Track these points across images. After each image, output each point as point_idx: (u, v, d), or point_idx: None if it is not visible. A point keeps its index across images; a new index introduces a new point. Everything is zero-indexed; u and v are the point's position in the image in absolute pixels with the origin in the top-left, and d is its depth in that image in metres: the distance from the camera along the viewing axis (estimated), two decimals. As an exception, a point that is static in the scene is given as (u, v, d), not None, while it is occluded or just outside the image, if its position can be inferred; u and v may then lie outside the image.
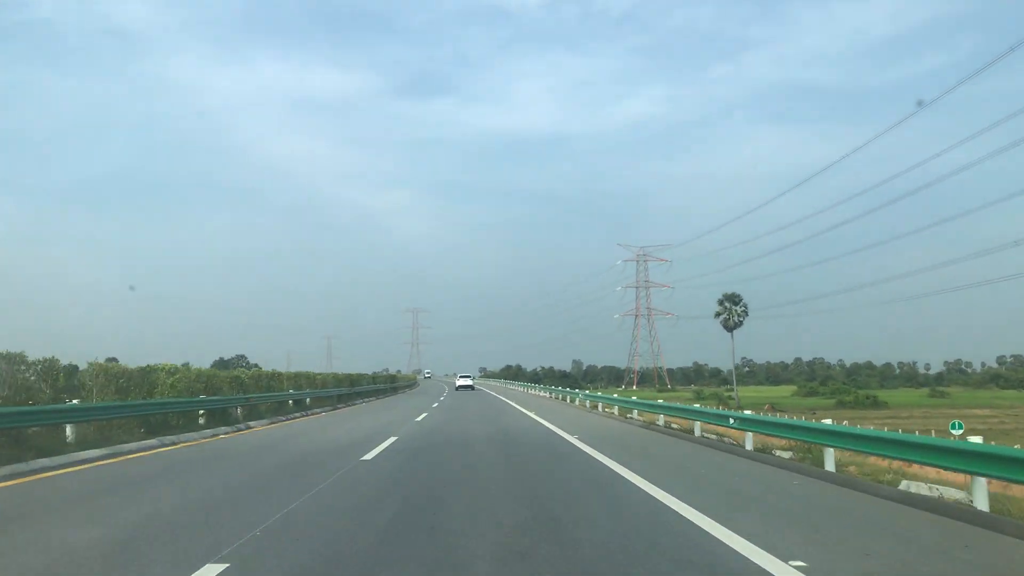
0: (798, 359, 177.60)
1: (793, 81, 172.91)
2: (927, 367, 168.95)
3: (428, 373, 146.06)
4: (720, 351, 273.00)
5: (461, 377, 66.59)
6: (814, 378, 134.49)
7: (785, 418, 16.43)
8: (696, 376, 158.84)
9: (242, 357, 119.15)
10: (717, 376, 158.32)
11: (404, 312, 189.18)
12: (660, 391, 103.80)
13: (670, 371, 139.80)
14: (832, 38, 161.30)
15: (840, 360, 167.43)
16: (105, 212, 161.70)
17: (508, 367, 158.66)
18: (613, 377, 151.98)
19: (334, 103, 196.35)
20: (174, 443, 16.56)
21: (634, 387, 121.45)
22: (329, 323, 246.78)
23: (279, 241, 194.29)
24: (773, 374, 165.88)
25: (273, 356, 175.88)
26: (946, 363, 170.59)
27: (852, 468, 10.98)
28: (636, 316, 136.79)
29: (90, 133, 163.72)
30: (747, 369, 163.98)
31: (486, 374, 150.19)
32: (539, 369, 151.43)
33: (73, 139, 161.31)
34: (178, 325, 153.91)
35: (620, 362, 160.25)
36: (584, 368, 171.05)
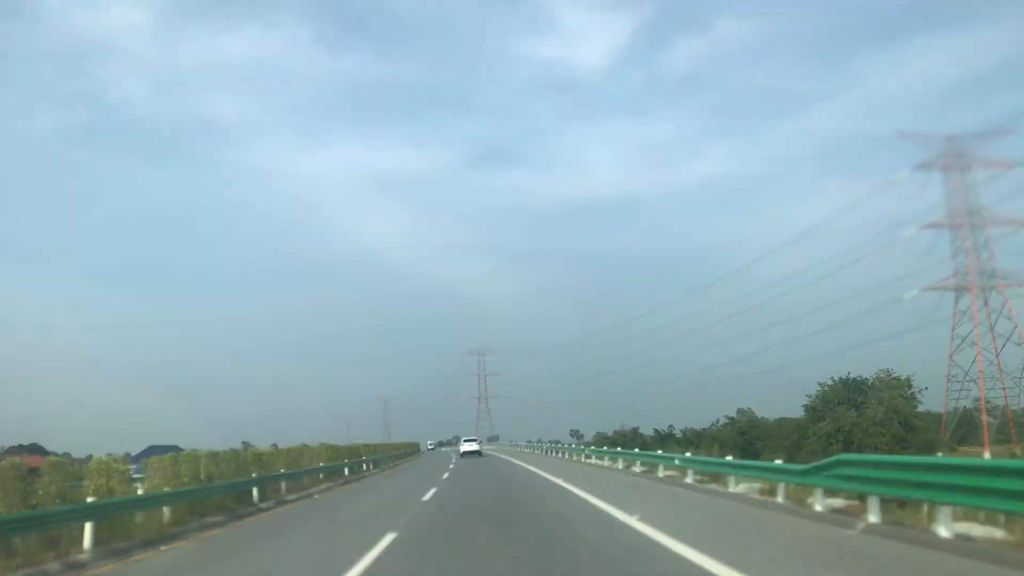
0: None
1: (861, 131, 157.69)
2: None
3: (431, 444, 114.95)
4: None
5: (466, 442, 58.41)
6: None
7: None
8: None
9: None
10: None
11: (467, 355, 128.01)
12: None
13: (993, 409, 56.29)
14: (899, 85, 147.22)
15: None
16: (183, 295, 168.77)
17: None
18: (791, 444, 41.38)
19: (409, 179, 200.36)
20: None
21: (985, 450, 40.14)
22: (393, 390, 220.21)
23: (349, 316, 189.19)
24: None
25: (334, 427, 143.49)
26: None
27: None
28: (961, 289, 55.71)
29: (177, 220, 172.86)
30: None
31: (581, 440, 79.87)
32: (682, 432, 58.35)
33: (160, 227, 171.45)
34: (244, 403, 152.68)
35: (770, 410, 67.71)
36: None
